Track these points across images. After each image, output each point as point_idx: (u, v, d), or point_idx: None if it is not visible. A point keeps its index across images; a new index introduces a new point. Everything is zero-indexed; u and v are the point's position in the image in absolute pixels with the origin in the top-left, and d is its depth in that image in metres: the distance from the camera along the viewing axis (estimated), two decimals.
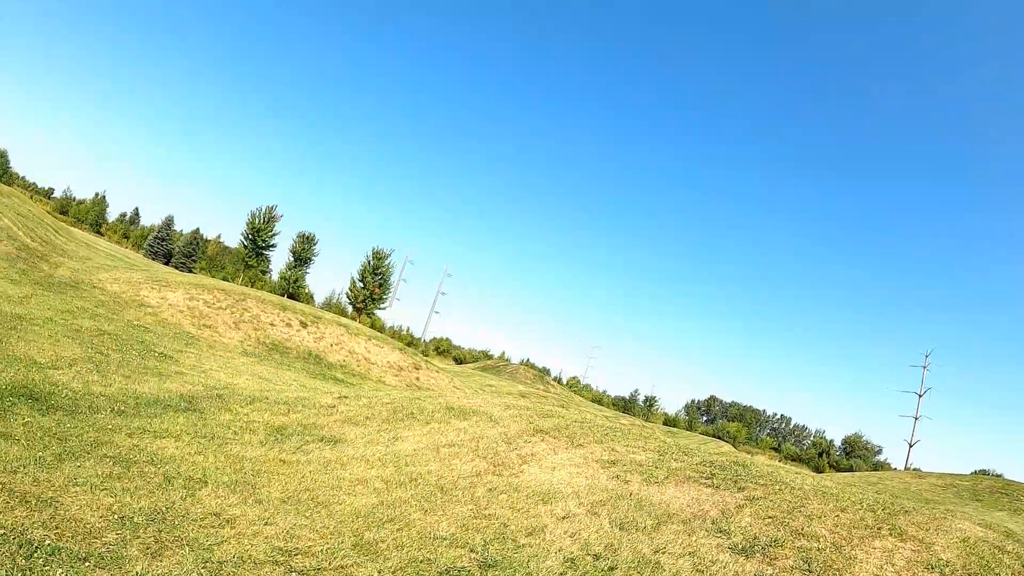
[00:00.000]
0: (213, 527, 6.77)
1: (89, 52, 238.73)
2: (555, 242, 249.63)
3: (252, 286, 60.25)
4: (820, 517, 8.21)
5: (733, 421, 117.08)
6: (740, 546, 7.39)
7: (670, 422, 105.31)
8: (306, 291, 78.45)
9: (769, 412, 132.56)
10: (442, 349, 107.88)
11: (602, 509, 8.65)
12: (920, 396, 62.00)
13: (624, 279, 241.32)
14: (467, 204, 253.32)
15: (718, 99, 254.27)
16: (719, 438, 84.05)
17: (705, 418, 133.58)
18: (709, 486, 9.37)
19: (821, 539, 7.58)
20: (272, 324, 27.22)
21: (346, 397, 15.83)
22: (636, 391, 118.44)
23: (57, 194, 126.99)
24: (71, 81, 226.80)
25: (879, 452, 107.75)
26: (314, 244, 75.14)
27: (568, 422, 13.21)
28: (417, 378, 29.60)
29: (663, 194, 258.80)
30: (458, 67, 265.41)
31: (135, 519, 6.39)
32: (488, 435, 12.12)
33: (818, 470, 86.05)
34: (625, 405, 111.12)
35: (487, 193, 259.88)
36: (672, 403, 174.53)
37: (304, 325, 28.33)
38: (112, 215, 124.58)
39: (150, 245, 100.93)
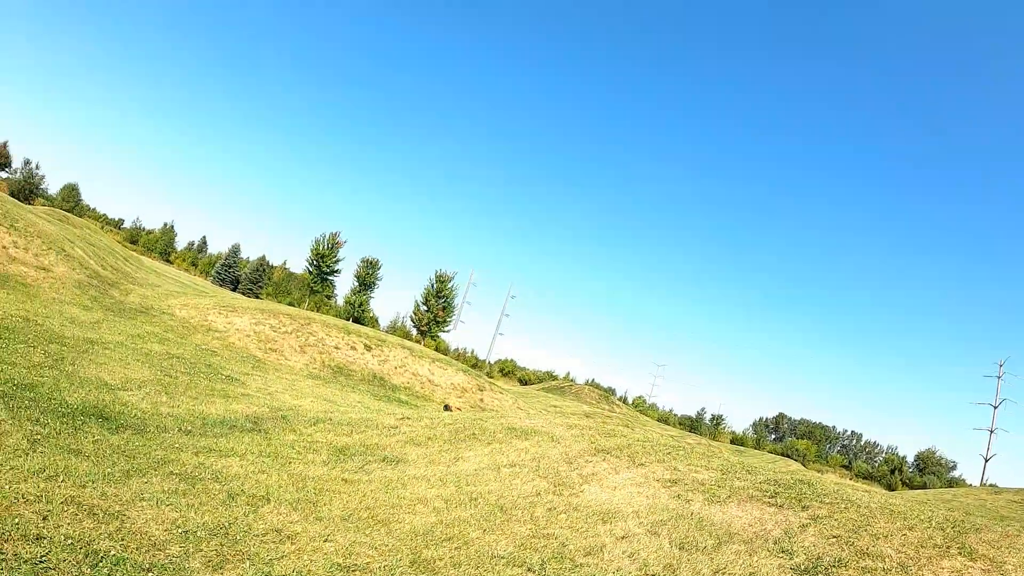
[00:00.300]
0: (274, 543, 7.05)
1: (157, 89, 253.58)
2: (621, 260, 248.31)
3: (318, 311, 62.29)
4: (886, 536, 7.98)
5: (802, 439, 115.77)
6: (803, 566, 7.28)
7: (737, 441, 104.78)
8: (371, 315, 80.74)
9: (839, 428, 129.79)
10: (507, 371, 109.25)
11: (662, 529, 8.59)
12: (995, 408, 59.87)
13: (691, 296, 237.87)
14: (531, 223, 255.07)
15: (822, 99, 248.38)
16: (788, 456, 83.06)
17: (773, 436, 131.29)
18: (772, 505, 9.20)
19: (887, 559, 7.36)
20: (337, 347, 28.11)
21: (408, 418, 16.15)
22: (703, 410, 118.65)
23: (127, 224, 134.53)
24: (140, 116, 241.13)
25: (953, 468, 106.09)
26: (378, 269, 77.73)
27: (630, 441, 13.18)
28: (481, 399, 29.94)
29: (724, 210, 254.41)
30: (517, 79, 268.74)
31: (198, 533, 6.72)
32: (549, 455, 12.20)
33: (890, 488, 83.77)
34: (691, 424, 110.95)
35: (551, 212, 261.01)
36: (740, 421, 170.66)
37: (368, 348, 29.10)
38: (180, 244, 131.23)
39: (217, 272, 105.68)
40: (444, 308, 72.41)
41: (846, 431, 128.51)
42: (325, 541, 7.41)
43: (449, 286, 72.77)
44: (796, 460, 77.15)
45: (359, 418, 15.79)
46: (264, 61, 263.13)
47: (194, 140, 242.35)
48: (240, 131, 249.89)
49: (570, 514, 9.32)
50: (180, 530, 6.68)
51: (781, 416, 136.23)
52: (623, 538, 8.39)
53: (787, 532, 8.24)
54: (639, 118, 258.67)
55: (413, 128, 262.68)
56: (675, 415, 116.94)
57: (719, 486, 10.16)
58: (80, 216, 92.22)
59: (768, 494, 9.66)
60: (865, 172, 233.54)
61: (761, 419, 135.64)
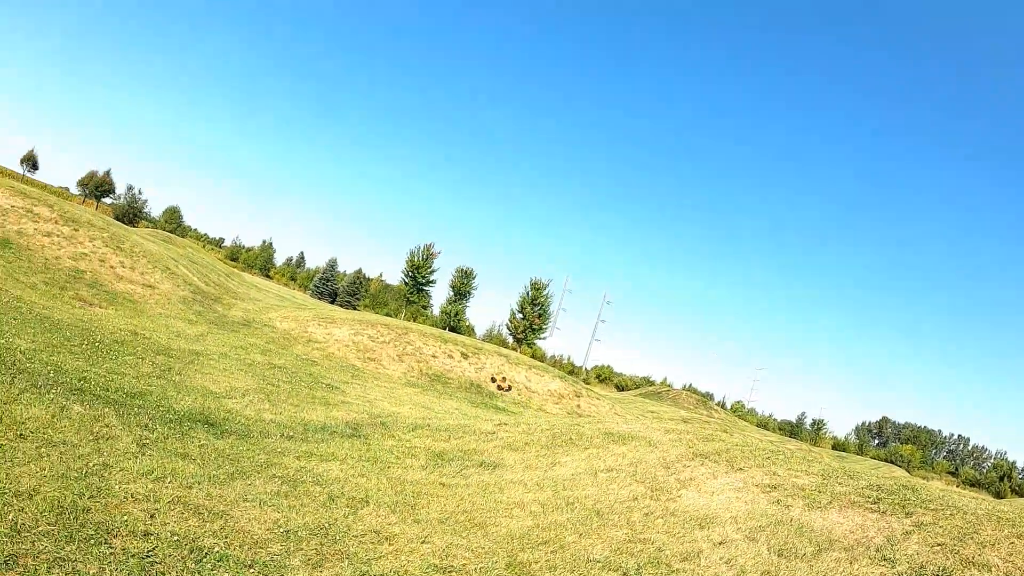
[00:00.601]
0: (372, 543, 7.30)
1: (253, 113, 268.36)
2: (719, 262, 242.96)
3: (414, 321, 64.29)
4: (993, 544, 7.54)
5: (906, 443, 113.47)
6: (905, 575, 7.02)
7: (839, 446, 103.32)
8: (467, 324, 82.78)
9: (945, 433, 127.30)
10: (603, 377, 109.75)
11: (761, 535, 8.37)
12: None
13: (790, 299, 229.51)
14: (626, 226, 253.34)
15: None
16: (891, 462, 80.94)
17: (876, 441, 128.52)
18: (875, 511, 8.87)
19: (993, 568, 6.94)
20: (434, 356, 28.89)
21: (506, 424, 16.39)
22: (803, 414, 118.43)
23: (227, 243, 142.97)
24: (238, 139, 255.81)
25: None
26: (473, 278, 79.83)
27: (728, 446, 12.95)
28: (578, 405, 29.99)
29: (822, 206, 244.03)
30: (613, 76, 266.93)
31: (299, 533, 7.05)
32: (646, 460, 12.14)
33: (999, 495, 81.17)
34: (791, 429, 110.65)
35: (647, 214, 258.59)
36: (841, 426, 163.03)
37: (465, 356, 29.72)
38: (279, 259, 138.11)
39: (316, 285, 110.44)
40: (540, 315, 73.52)
41: (952, 435, 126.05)
42: (422, 542, 7.61)
43: (544, 293, 73.93)
44: (900, 466, 74.70)
45: (456, 424, 16.16)
46: (352, 80, 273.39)
47: (290, 160, 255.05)
48: (333, 148, 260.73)
49: (667, 519, 9.23)
50: (281, 529, 7.02)
51: (884, 420, 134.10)
52: (720, 544, 8.25)
53: (890, 539, 7.97)
54: (734, 115, 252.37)
55: (505, 133, 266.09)
56: (774, 420, 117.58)
57: (819, 491, 9.86)
58: (182, 236, 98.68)
59: (870, 500, 9.31)
60: (987, 169, 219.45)
61: (863, 424, 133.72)
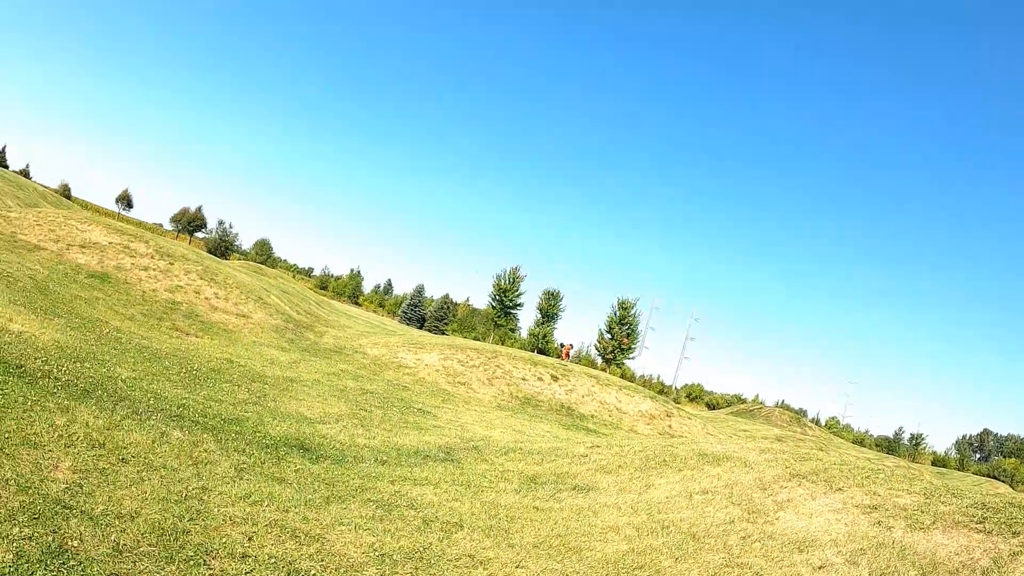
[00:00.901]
0: (467, 567, 7.28)
1: (336, 145, 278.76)
2: (809, 276, 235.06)
3: (502, 344, 64.91)
4: None
5: (1010, 457, 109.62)
6: None
7: (939, 461, 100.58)
8: (554, 346, 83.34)
9: None
10: (694, 395, 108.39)
11: (862, 558, 8.08)
12: None
13: (882, 309, 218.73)
14: (712, 243, 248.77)
15: None
16: (994, 478, 76.99)
17: (978, 455, 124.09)
18: (980, 531, 8.62)
19: None
20: (523, 379, 28.92)
21: (598, 446, 16.22)
22: (900, 429, 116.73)
23: (316, 272, 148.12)
24: (324, 172, 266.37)
25: None
26: (559, 300, 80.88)
27: (826, 465, 12.51)
28: (669, 426, 29.42)
29: (918, 214, 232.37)
30: (689, 89, 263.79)
31: (394, 557, 7.10)
32: (742, 481, 11.89)
33: None
34: (889, 445, 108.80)
35: (734, 230, 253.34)
36: (941, 440, 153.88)
37: (555, 378, 29.64)
38: (367, 287, 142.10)
39: (404, 312, 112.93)
40: (628, 335, 73.44)
41: None
42: (517, 567, 7.55)
43: (632, 312, 73.98)
44: (1003, 481, 70.83)
45: (548, 447, 16.08)
46: (434, 111, 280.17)
47: (376, 190, 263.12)
48: (418, 177, 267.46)
49: (765, 542, 8.96)
50: (377, 553, 7.08)
51: (986, 433, 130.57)
52: (820, 568, 7.96)
53: (996, 561, 7.62)
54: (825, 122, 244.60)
55: (588, 154, 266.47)
56: (870, 436, 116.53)
57: (922, 511, 9.44)
58: (272, 267, 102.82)
59: (975, 519, 8.94)
60: None
61: (964, 437, 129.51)
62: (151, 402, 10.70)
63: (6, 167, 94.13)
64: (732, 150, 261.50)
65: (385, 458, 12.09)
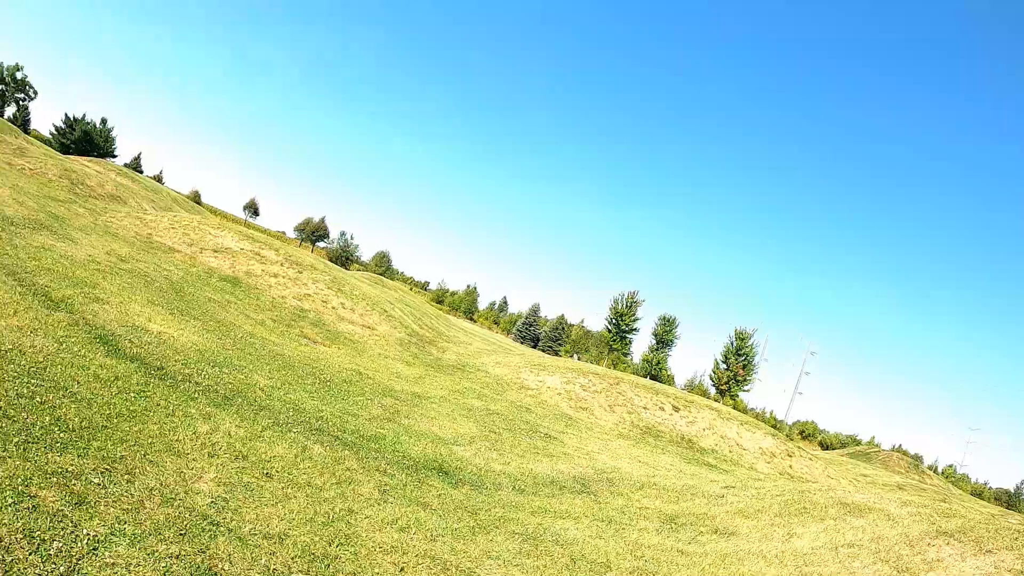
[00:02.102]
0: None
1: (453, 162, 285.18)
2: (920, 312, 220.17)
3: (614, 368, 64.14)
4: None
5: None
6: None
7: None
8: (667, 373, 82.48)
9: None
10: (807, 433, 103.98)
11: None
12: None
13: (1003, 355, 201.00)
14: (827, 275, 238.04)
15: None
16: None
17: None
18: None
19: None
20: (645, 408, 28.12)
21: (732, 487, 15.83)
22: (1022, 483, 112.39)
23: (432, 287, 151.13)
24: (440, 186, 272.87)
25: None
26: (675, 327, 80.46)
27: (973, 523, 11.91)
28: (790, 466, 27.87)
29: None
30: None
31: None
32: (887, 536, 11.44)
33: None
34: (1008, 499, 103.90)
35: (850, 264, 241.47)
36: None
37: (676, 409, 28.76)
38: (482, 304, 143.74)
39: (518, 330, 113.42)
40: (744, 366, 71.57)
41: None
42: None
43: (749, 343, 72.49)
44: None
45: (681, 485, 15.71)
46: (555, 127, 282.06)
47: (493, 206, 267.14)
48: (535, 194, 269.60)
49: None
50: None
51: None
52: None
53: None
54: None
55: (706, 182, 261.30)
56: (989, 488, 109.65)
57: None
58: (391, 279, 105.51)
59: None
60: None
61: None
62: (290, 413, 10.67)
63: (141, 172, 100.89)
64: (866, 157, 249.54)
65: (522, 486, 11.74)
